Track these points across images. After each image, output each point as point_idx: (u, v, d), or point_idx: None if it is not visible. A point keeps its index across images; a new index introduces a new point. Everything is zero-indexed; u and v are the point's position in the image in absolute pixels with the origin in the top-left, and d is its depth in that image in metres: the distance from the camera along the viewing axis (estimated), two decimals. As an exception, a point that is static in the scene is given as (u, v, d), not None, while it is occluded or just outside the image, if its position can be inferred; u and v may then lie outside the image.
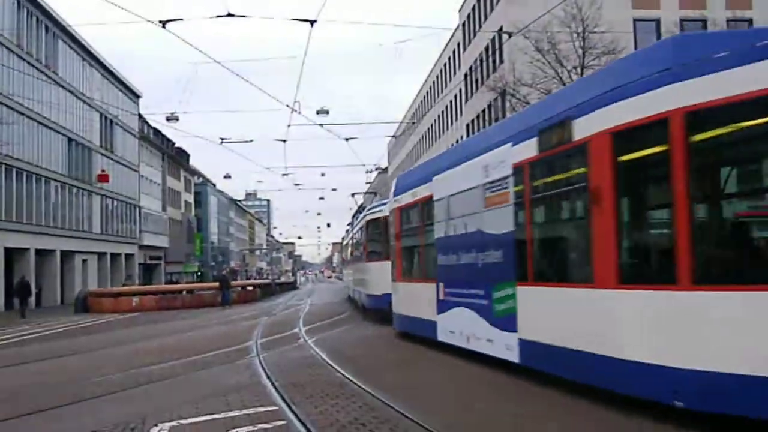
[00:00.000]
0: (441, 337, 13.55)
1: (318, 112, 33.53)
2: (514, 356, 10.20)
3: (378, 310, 20.86)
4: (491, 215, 11.03)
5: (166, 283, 66.58)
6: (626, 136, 7.61)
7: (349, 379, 10.72)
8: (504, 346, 10.49)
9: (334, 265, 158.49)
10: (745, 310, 6.41)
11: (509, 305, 10.30)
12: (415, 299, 15.55)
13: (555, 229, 9.99)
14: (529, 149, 9.70)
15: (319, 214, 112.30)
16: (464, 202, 12.29)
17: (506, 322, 10.38)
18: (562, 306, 8.95)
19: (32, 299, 36.99)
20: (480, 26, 44.28)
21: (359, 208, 39.00)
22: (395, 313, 17.54)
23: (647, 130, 7.30)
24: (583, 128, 8.31)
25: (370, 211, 24.05)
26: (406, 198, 16.33)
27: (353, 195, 45.08)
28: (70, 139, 51.65)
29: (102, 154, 58.09)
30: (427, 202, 14.47)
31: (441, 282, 13.61)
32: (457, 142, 52.34)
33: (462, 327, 12.37)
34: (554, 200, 9.77)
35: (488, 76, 40.67)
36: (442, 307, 13.47)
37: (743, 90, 6.42)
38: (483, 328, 11.33)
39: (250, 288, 53.05)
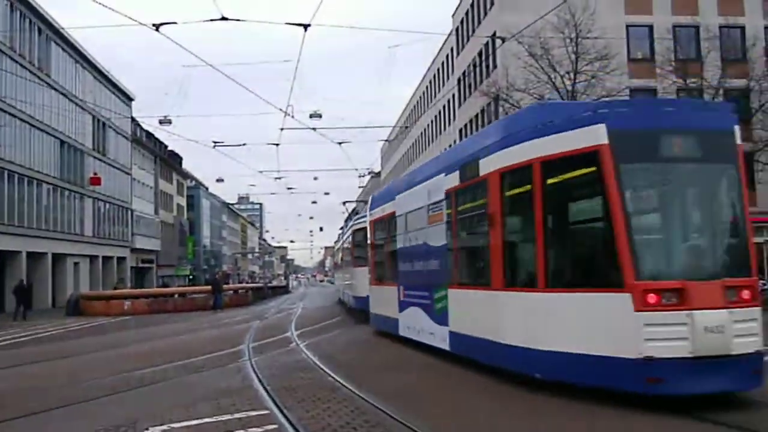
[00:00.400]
0: (401, 332, 16.01)
1: (311, 116, 33.54)
2: (446, 345, 12.75)
3: (362, 311, 22.38)
4: (432, 230, 13.61)
5: (158, 287, 66.40)
6: (508, 176, 10.20)
7: (340, 383, 10.75)
8: (441, 337, 13.03)
9: (327, 269, 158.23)
10: (578, 307, 8.82)
11: (444, 304, 12.84)
12: (384, 300, 18.00)
13: (470, 243, 12.17)
14: (455, 179, 12.30)
15: (311, 218, 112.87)
16: (415, 218, 14.86)
17: (442, 318, 12.91)
18: (473, 304, 11.52)
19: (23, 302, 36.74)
20: (473, 31, 44.35)
21: (351, 212, 39.48)
22: (372, 313, 19.86)
23: (520, 172, 9.83)
24: (485, 167, 10.87)
25: (357, 220, 26.10)
26: (378, 213, 18.98)
27: (344, 203, 45.34)
28: (62, 142, 51.47)
29: (94, 157, 57.89)
30: (392, 217, 17.03)
31: (401, 285, 16.13)
32: (450, 146, 52.39)
33: (415, 323, 14.89)
34: (470, 220, 12.03)
35: (481, 81, 40.73)
36: (402, 306, 16.02)
37: (568, 148, 9.02)
38: (427, 324, 13.89)
39: (242, 291, 53.01)
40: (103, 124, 60.37)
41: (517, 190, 10.09)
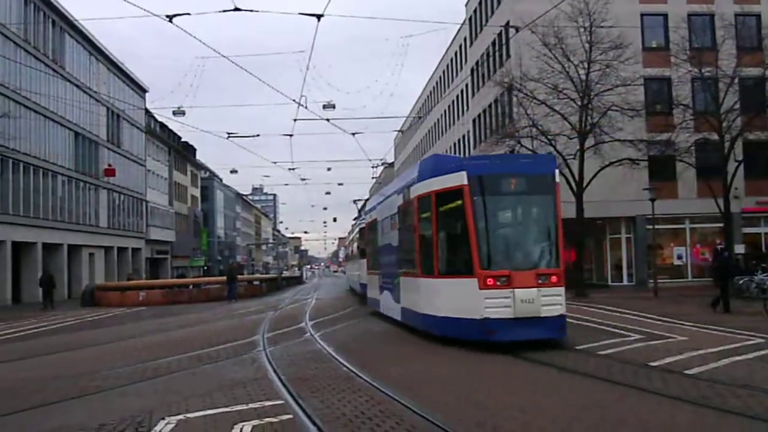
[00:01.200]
0: (381, 310, 20.60)
1: (324, 107, 33.57)
2: (399, 317, 17.59)
3: (365, 294, 26.21)
4: (393, 234, 18.36)
5: (173, 277, 66.67)
6: (421, 201, 14.87)
7: (354, 373, 10.79)
8: (397, 312, 17.86)
9: (340, 259, 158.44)
10: (452, 287, 13.74)
11: (398, 287, 17.55)
12: (373, 286, 22.76)
13: (409, 245, 16.19)
14: (400, 199, 17.14)
15: (325, 208, 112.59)
16: (386, 224, 19.58)
17: (398, 297, 17.68)
18: (409, 287, 16.30)
19: (38, 292, 37.21)
20: (487, 21, 44.14)
21: (362, 208, 40.24)
22: (367, 297, 24.71)
23: (426, 199, 14.55)
24: (412, 193, 15.61)
25: (363, 218, 30.27)
26: (369, 217, 24.32)
27: (355, 201, 46.18)
28: (77, 134, 51.74)
29: (109, 149, 58.18)
30: (376, 221, 21.90)
31: (380, 274, 20.80)
32: (463, 137, 52.32)
33: (387, 302, 19.61)
34: (408, 229, 16.15)
35: (495, 70, 40.55)
36: (381, 290, 20.63)
37: (447, 186, 13.81)
38: (392, 302, 18.63)
39: (257, 282, 53.19)
40: (117, 115, 60.64)
41: (425, 212, 14.67)
